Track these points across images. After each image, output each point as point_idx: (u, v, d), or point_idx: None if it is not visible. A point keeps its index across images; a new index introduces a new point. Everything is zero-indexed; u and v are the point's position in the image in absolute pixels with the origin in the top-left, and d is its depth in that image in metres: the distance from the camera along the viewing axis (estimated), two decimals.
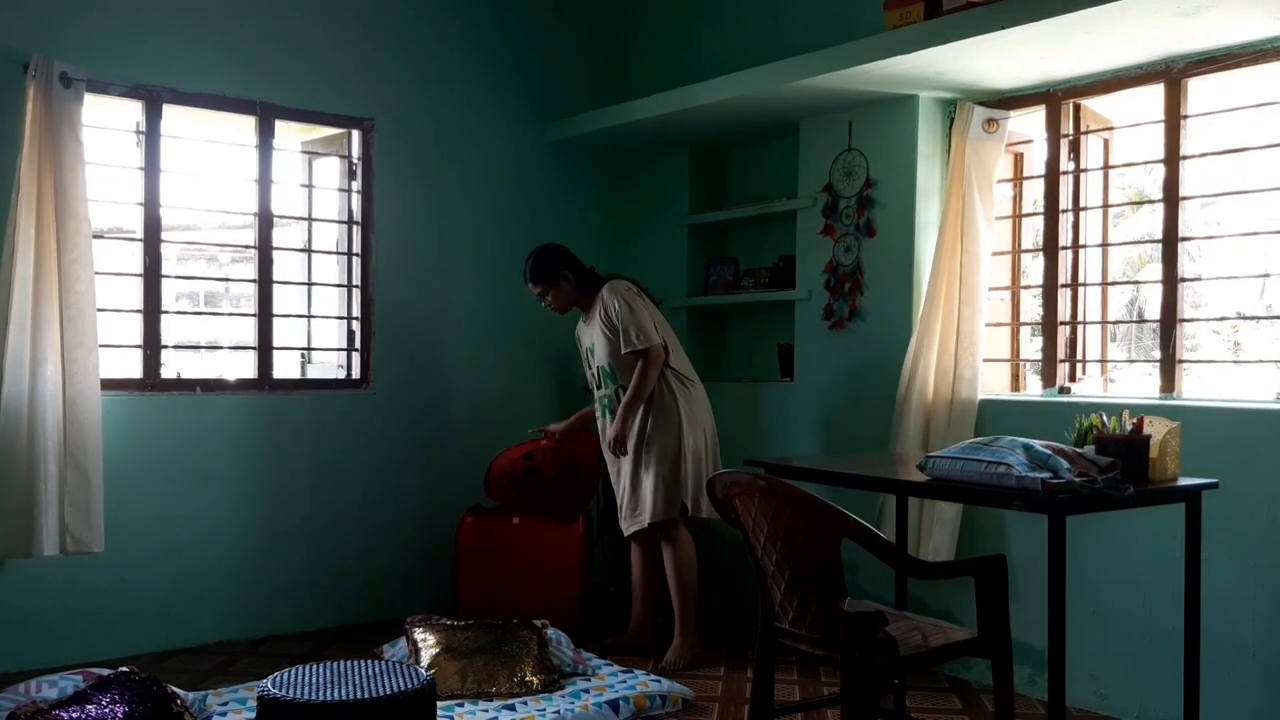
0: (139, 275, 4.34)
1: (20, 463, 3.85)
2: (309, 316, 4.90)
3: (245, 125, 4.64)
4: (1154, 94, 3.80)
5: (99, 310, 4.04)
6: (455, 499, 4.99)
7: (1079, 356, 4.08)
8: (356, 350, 4.92)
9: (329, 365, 4.97)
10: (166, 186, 4.39)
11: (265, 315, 4.63)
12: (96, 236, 4.07)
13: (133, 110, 4.37)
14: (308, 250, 4.91)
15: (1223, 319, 4.08)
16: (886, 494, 3.94)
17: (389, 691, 2.65)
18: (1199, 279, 3.90)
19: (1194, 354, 3.88)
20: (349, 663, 2.88)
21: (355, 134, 4.92)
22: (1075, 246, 4.05)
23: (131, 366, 4.34)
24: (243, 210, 4.70)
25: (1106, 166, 4.13)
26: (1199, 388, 3.77)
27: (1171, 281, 3.71)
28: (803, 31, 4.71)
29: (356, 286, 4.91)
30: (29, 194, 3.86)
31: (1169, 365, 3.71)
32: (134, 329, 4.36)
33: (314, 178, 4.96)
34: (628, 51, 5.72)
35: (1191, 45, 3.55)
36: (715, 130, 5.02)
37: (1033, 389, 4.25)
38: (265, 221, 4.63)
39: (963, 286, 4.06)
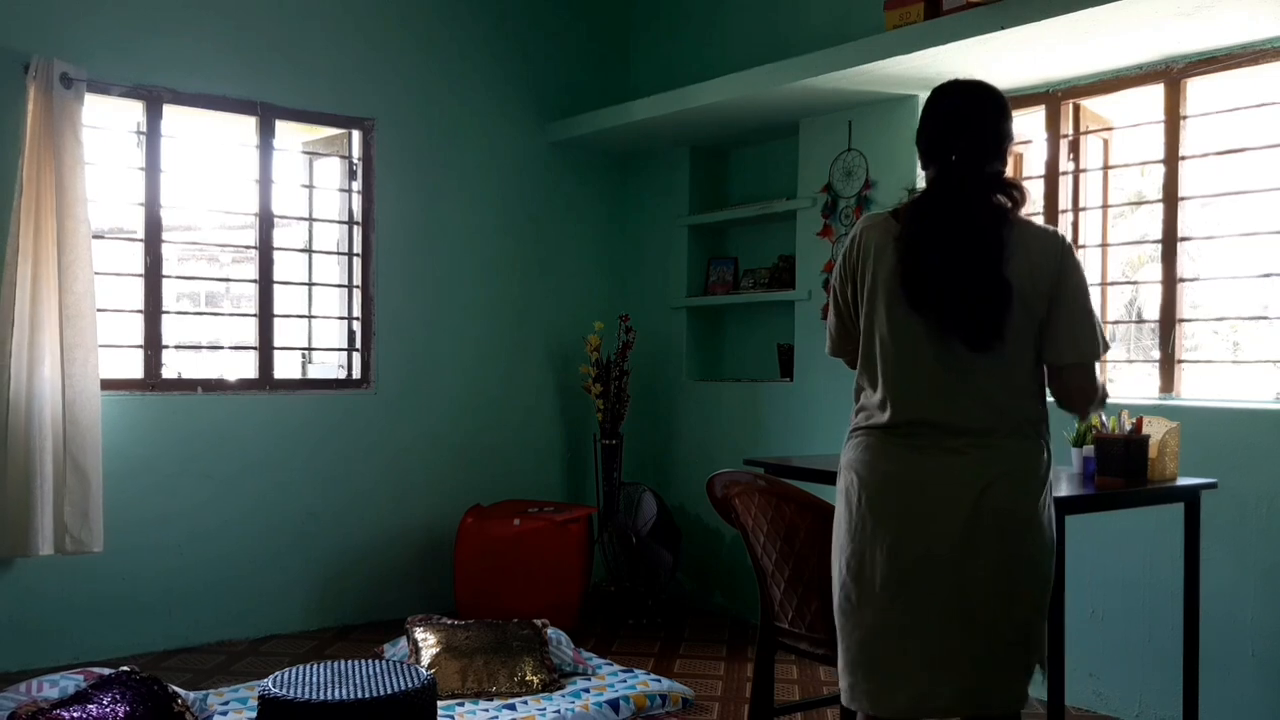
0: (140, 275, 4.34)
1: (18, 462, 3.85)
2: (310, 316, 4.90)
3: (245, 125, 4.64)
4: (1154, 94, 3.81)
5: (99, 310, 4.04)
6: (455, 499, 5.00)
7: None
8: (357, 350, 4.92)
9: (329, 365, 4.97)
10: (167, 187, 4.40)
11: (266, 315, 4.64)
12: (97, 237, 4.08)
13: (133, 110, 4.38)
14: (308, 250, 4.92)
15: (1222, 319, 4.07)
16: None
17: (390, 691, 2.65)
18: (1198, 279, 3.90)
19: (1193, 354, 3.87)
20: (350, 662, 2.89)
21: (355, 134, 4.92)
22: (1075, 246, 4.05)
23: (133, 366, 4.34)
24: (243, 210, 4.70)
25: (1106, 166, 4.13)
26: (1198, 388, 3.77)
27: (1171, 281, 3.71)
28: (802, 31, 4.71)
29: (357, 286, 4.92)
30: (29, 194, 3.87)
31: (1168, 365, 3.71)
32: (135, 329, 4.36)
33: (314, 178, 4.97)
34: (628, 51, 5.72)
35: (1191, 45, 3.55)
36: (715, 130, 5.02)
37: None
38: (266, 221, 4.63)
39: None
